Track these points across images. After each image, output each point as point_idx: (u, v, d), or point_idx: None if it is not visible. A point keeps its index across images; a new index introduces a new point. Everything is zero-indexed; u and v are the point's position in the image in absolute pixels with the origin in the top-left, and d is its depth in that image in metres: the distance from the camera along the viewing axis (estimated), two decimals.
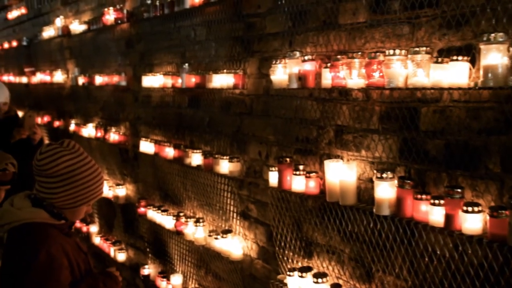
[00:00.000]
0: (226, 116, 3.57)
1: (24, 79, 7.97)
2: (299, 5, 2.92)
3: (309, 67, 2.72)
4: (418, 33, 2.26)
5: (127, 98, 5.04)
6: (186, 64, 3.84)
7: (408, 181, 2.19)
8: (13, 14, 8.81)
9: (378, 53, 2.28)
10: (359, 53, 2.40)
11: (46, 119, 7.17)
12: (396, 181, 2.24)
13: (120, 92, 5.17)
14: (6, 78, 8.84)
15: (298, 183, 2.78)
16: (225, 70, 3.39)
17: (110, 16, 5.01)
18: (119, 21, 4.92)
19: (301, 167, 2.78)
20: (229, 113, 3.53)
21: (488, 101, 1.99)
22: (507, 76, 1.83)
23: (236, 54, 3.46)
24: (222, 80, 3.40)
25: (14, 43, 8.47)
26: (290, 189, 2.83)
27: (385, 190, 2.26)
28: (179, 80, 3.92)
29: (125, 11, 4.88)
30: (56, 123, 6.84)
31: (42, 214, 2.03)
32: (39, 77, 7.31)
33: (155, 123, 4.54)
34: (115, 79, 5.08)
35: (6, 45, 8.94)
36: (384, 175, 2.26)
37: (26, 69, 7.74)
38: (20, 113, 8.28)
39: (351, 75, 2.42)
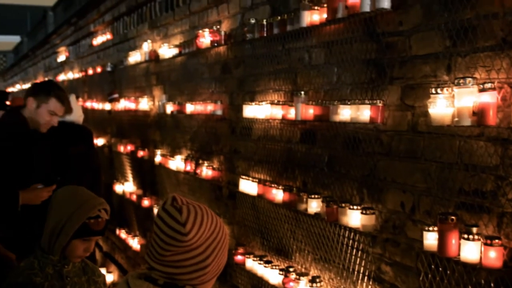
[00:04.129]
0: (353, 155, 2.94)
1: (107, 106, 7.71)
2: (463, 20, 2.29)
3: (488, 98, 2.07)
4: None
5: (222, 129, 4.53)
6: (302, 93, 3.25)
7: None
8: (98, 40, 8.65)
9: None
10: None
11: (130, 148, 6.81)
12: None
13: (213, 122, 4.67)
14: (89, 104, 8.64)
15: (470, 251, 2.12)
16: (357, 100, 2.78)
17: (205, 38, 4.54)
18: (216, 44, 4.44)
19: (474, 229, 2.12)
20: (358, 152, 2.91)
21: None
22: None
23: (367, 81, 2.85)
24: (353, 112, 2.79)
25: (99, 69, 8.27)
26: (457, 256, 2.17)
27: None
28: (291, 111, 3.35)
29: (222, 33, 4.40)
30: (140, 153, 6.45)
31: None
32: (123, 104, 7.00)
33: (256, 159, 3.97)
34: (209, 107, 4.58)
35: (90, 71, 8.77)
36: None
37: (111, 96, 7.45)
38: (103, 141, 8.09)
39: None
